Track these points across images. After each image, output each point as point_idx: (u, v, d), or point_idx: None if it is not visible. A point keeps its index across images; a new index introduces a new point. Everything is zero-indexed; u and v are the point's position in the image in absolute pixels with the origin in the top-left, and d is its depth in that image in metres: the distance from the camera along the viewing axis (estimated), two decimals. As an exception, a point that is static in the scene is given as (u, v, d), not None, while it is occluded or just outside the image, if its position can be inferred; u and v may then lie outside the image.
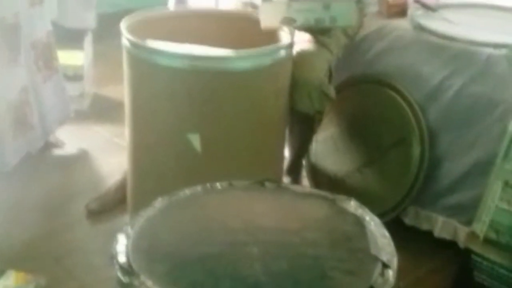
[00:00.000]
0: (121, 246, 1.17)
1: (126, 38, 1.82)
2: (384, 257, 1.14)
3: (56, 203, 2.30)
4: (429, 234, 2.11)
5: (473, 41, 2.01)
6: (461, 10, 2.32)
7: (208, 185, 1.35)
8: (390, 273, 1.12)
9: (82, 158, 2.61)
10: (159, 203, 1.30)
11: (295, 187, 1.42)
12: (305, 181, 2.35)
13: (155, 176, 1.89)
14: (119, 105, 2.58)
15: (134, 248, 1.16)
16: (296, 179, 2.32)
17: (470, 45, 2.01)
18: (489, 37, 2.02)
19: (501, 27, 2.17)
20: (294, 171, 2.32)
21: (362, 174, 2.19)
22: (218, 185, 1.36)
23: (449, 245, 2.05)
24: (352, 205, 1.30)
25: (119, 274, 1.11)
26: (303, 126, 2.15)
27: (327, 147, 2.28)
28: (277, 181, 1.40)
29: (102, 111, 2.78)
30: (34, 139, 2.44)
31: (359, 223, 1.24)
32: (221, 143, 1.82)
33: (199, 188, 1.34)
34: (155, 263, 1.14)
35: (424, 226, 2.12)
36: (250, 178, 1.40)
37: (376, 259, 1.14)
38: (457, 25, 2.15)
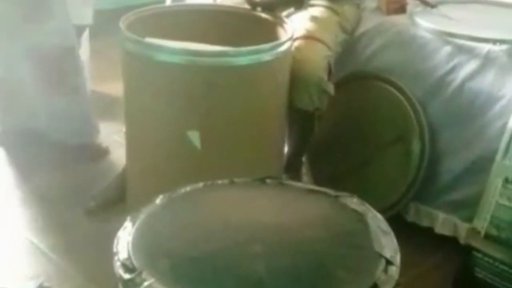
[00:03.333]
0: (122, 243, 1.16)
1: (124, 34, 1.81)
2: (387, 254, 1.14)
3: (54, 200, 2.29)
4: (429, 230, 2.10)
5: (472, 37, 2.01)
6: (460, 6, 2.32)
7: (209, 182, 1.34)
8: (394, 270, 1.11)
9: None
10: (160, 199, 1.29)
11: (297, 184, 1.40)
12: (305, 178, 2.34)
13: (154, 173, 1.88)
14: (116, 101, 2.59)
15: (135, 245, 1.16)
16: (295, 176, 2.31)
17: (469, 41, 2.01)
18: (489, 33, 2.02)
19: (500, 23, 2.17)
20: (293, 168, 2.31)
21: (362, 171, 2.18)
22: (219, 182, 1.35)
23: (450, 242, 2.05)
24: (355, 202, 1.29)
25: (121, 271, 1.10)
26: (303, 123, 2.14)
27: (327, 144, 2.27)
28: (279, 178, 1.39)
29: (99, 108, 2.75)
30: None
31: (362, 220, 1.23)
32: (221, 140, 1.81)
33: (200, 185, 1.34)
34: (157, 260, 1.13)
35: (425, 223, 2.12)
36: (250, 175, 1.40)
37: (379, 256, 1.13)
38: (457, 21, 2.15)
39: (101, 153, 2.59)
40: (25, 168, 2.47)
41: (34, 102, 2.45)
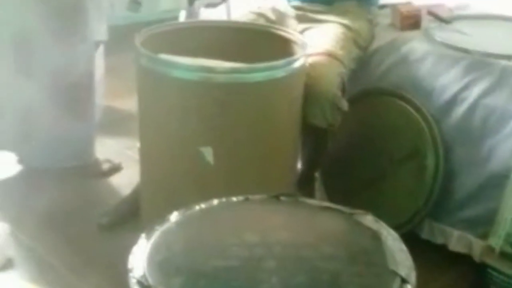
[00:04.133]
0: (137, 259, 1.16)
1: (139, 50, 1.82)
2: (402, 272, 1.13)
3: (68, 215, 2.29)
4: (444, 247, 2.09)
5: (487, 53, 2.01)
6: (475, 22, 2.31)
7: (224, 199, 1.34)
8: (409, 288, 1.11)
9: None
10: (174, 216, 1.29)
11: (312, 201, 1.40)
12: (318, 193, 2.34)
13: (167, 189, 1.88)
14: (130, 117, 2.60)
15: (150, 262, 1.16)
16: (308, 191, 2.30)
17: (484, 57, 2.01)
18: (504, 49, 2.02)
19: (515, 39, 2.17)
20: (306, 184, 2.30)
21: (376, 187, 2.17)
22: (234, 199, 1.35)
23: (464, 259, 2.03)
24: (369, 219, 1.28)
25: (136, 287, 1.10)
26: (316, 139, 2.14)
27: (340, 160, 2.27)
28: (293, 195, 1.39)
29: (113, 123, 2.78)
30: None
31: (377, 237, 1.23)
32: (234, 156, 1.81)
33: (215, 202, 1.34)
34: (171, 277, 1.13)
35: (439, 240, 2.10)
36: (263, 190, 1.39)
37: (394, 274, 1.13)
38: (471, 37, 2.15)
39: (103, 171, 2.58)
40: (36, 186, 2.46)
41: (46, 126, 2.43)
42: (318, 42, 2.06)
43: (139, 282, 1.11)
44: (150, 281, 1.11)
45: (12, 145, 2.47)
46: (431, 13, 2.28)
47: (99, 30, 2.56)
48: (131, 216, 2.19)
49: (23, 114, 2.40)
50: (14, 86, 2.35)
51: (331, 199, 2.26)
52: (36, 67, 2.32)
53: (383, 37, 2.24)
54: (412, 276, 1.14)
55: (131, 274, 1.13)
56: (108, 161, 2.60)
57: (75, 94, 2.41)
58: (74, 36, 2.33)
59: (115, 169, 2.59)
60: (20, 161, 2.54)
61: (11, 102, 2.38)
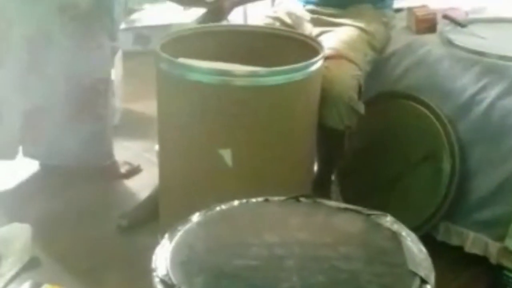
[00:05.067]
0: (161, 259, 1.18)
1: (158, 54, 1.85)
2: (422, 273, 1.14)
3: (88, 217, 2.32)
4: (459, 249, 2.09)
5: (503, 56, 2.01)
6: (491, 25, 2.32)
7: (244, 200, 1.37)
8: (428, 289, 1.12)
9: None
10: (196, 217, 1.31)
11: (330, 203, 1.42)
12: (334, 195, 2.35)
13: (186, 191, 1.90)
14: (149, 120, 2.63)
15: (173, 261, 1.18)
16: (324, 193, 2.32)
17: (500, 60, 2.01)
18: (520, 52, 2.02)
19: (530, 42, 2.17)
20: (323, 186, 2.32)
21: (392, 189, 2.19)
22: (253, 200, 1.37)
23: (480, 261, 2.03)
24: (388, 221, 1.30)
25: (159, 287, 1.13)
26: (332, 141, 2.15)
27: (357, 162, 2.28)
28: (313, 196, 1.41)
29: (132, 126, 2.80)
30: None
31: (396, 238, 1.24)
32: (252, 158, 1.84)
33: (235, 203, 1.36)
34: (194, 276, 1.15)
35: (455, 241, 2.11)
36: (280, 192, 1.41)
37: (414, 274, 1.14)
38: (487, 40, 2.16)
39: (123, 173, 2.61)
40: (55, 187, 2.50)
41: (61, 128, 2.45)
42: (334, 45, 2.08)
43: (162, 281, 1.13)
44: (174, 280, 1.13)
45: (27, 145, 2.50)
46: (446, 17, 2.28)
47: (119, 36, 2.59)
48: (150, 218, 2.21)
49: (37, 115, 2.43)
50: (28, 86, 2.38)
51: (346, 201, 2.26)
52: (51, 69, 2.35)
53: (399, 40, 2.25)
54: (432, 277, 1.15)
55: (154, 273, 1.16)
56: (127, 163, 2.63)
57: (91, 98, 2.43)
58: (91, 41, 2.36)
59: (134, 171, 2.62)
60: (35, 160, 2.58)
61: (23, 103, 2.40)
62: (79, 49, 2.34)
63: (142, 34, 3.71)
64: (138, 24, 3.83)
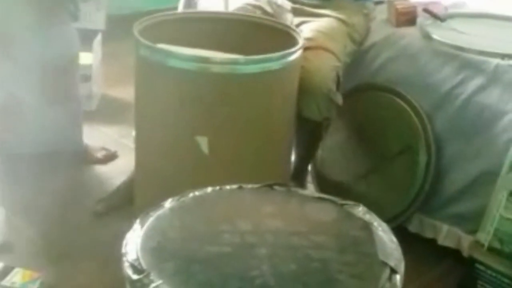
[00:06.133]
0: (131, 244, 1.18)
1: (137, 40, 1.83)
2: (392, 263, 1.15)
3: (63, 202, 2.30)
4: (432, 242, 2.11)
5: (481, 51, 2.02)
6: (470, 20, 2.33)
7: (217, 186, 1.36)
8: (398, 278, 1.13)
9: (89, 159, 2.62)
10: (168, 203, 1.31)
11: (304, 191, 1.42)
12: (310, 187, 2.36)
13: (162, 177, 1.90)
14: (127, 106, 2.61)
15: (144, 246, 1.17)
16: (301, 184, 2.33)
17: (478, 55, 2.02)
18: (497, 47, 2.03)
19: (509, 37, 2.18)
20: (299, 176, 2.33)
21: (368, 181, 2.20)
22: (227, 187, 1.37)
23: (453, 254, 2.06)
24: (360, 211, 1.30)
25: (129, 271, 1.12)
26: (310, 132, 2.16)
27: (333, 154, 2.29)
28: (287, 185, 1.41)
29: (110, 112, 2.78)
30: None
31: (367, 228, 1.25)
32: (228, 146, 1.83)
33: (208, 189, 1.35)
34: (164, 262, 1.14)
35: (428, 234, 2.13)
36: (257, 181, 1.41)
37: (384, 264, 1.15)
38: (466, 35, 2.17)
39: (99, 158, 2.59)
40: (28, 171, 2.44)
41: (32, 113, 2.40)
42: (314, 35, 2.08)
43: (132, 266, 1.12)
44: (144, 265, 1.12)
45: None
46: (426, 11, 2.29)
47: (97, 19, 2.57)
48: (125, 204, 2.20)
49: (4, 102, 2.37)
50: None
51: (323, 191, 2.27)
52: (14, 52, 2.29)
53: (379, 33, 2.26)
54: (401, 267, 1.16)
55: (124, 258, 1.15)
56: (104, 149, 2.62)
57: (59, 79, 2.38)
58: (53, 22, 2.31)
59: (111, 157, 2.60)
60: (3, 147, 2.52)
61: None
62: (42, 30, 2.28)
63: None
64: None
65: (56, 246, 2.09)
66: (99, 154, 2.59)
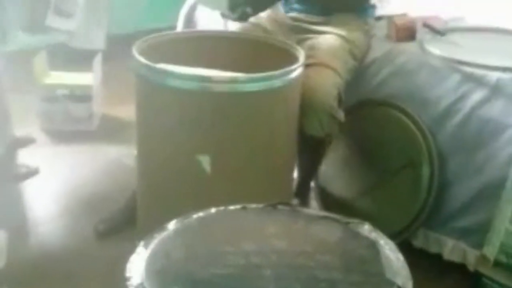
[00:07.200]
0: (135, 267, 1.16)
1: (136, 60, 1.83)
2: (400, 281, 1.14)
3: (65, 223, 2.30)
4: (438, 257, 2.10)
5: (481, 65, 2.02)
6: (470, 34, 2.33)
7: (221, 207, 1.35)
8: (406, 297, 1.12)
9: (90, 179, 2.62)
10: (172, 225, 1.30)
11: (308, 211, 1.41)
12: (313, 203, 2.35)
13: (164, 197, 1.89)
14: (128, 125, 2.61)
15: (148, 269, 1.16)
16: (304, 201, 2.32)
17: (479, 69, 2.02)
18: (498, 61, 2.03)
19: (510, 51, 2.18)
20: (302, 193, 2.32)
21: (371, 197, 2.19)
22: (231, 207, 1.36)
23: (459, 269, 2.04)
24: (366, 229, 1.29)
25: (133, 295, 1.11)
26: (313, 149, 2.15)
27: (336, 170, 2.28)
28: (290, 204, 1.40)
29: (110, 131, 2.78)
30: None
31: (374, 246, 1.24)
32: (230, 165, 1.83)
33: (212, 210, 1.34)
34: (169, 285, 1.13)
35: (433, 249, 2.12)
36: (259, 199, 1.40)
37: (391, 283, 1.13)
38: (466, 49, 2.17)
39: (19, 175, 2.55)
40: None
41: None
42: (315, 53, 2.08)
43: (137, 290, 1.12)
44: (148, 288, 1.11)
45: None
46: (426, 25, 2.29)
47: (97, 39, 2.57)
48: (128, 224, 2.19)
49: None
50: None
51: (326, 208, 2.27)
52: None
53: (379, 49, 2.25)
54: (409, 285, 1.15)
55: (128, 283, 1.14)
56: (25, 166, 2.59)
57: None
58: None
59: (31, 173, 2.57)
60: None
61: None
62: None
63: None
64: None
65: (57, 267, 2.07)
66: (20, 171, 2.56)
